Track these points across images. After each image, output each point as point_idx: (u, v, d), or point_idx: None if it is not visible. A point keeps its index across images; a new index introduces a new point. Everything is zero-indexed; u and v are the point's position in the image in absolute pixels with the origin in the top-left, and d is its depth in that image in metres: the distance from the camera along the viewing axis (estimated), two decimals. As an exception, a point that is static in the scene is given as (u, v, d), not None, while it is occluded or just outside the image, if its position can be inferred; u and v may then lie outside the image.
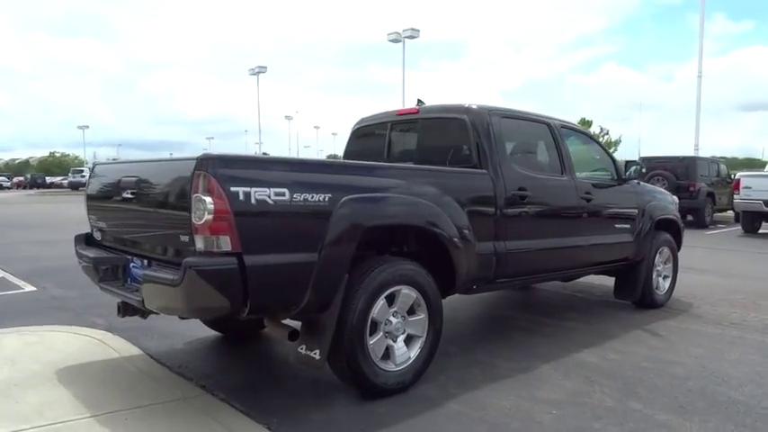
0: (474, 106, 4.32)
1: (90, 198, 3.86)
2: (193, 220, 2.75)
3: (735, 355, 4.32)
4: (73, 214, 19.54)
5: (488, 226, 4.05)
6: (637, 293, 5.65)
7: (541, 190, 4.47)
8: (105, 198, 3.68)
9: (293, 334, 3.15)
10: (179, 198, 2.91)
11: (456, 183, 3.90)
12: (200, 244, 2.75)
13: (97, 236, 3.84)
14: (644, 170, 5.61)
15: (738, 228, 14.39)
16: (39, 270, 7.98)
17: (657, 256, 5.79)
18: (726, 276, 7.76)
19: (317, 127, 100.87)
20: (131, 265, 3.45)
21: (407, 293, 3.47)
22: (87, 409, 3.14)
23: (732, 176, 17.66)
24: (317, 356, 3.12)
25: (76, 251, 3.89)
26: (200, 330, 4.66)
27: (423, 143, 4.68)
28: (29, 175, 63.03)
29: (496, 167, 4.14)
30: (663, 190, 6.37)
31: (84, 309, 5.65)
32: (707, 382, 3.75)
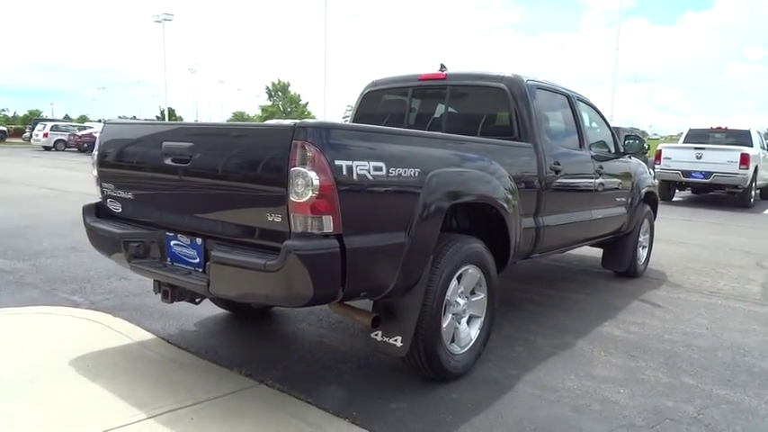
0: (511, 74, 4.16)
1: (104, 163, 3.31)
2: (291, 198, 2.40)
3: (736, 325, 4.57)
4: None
5: (531, 201, 3.97)
6: (625, 264, 5.85)
7: (569, 164, 4.43)
8: (133, 164, 3.17)
9: (377, 320, 2.90)
10: (267, 171, 2.53)
11: (511, 157, 3.75)
12: (298, 224, 2.42)
13: (114, 207, 3.31)
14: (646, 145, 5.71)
15: (654, 196, 15.40)
16: (-42, 237, 6.98)
17: (641, 227, 6.01)
18: (674, 244, 8.24)
19: (221, 81, 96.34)
20: (172, 242, 3.02)
21: (473, 273, 3.32)
22: (137, 408, 2.74)
23: (647, 147, 18.87)
24: (399, 343, 2.91)
25: (87, 224, 3.36)
26: (199, 309, 4.24)
27: (453, 112, 4.46)
28: None
29: (537, 140, 4.04)
30: (641, 162, 6.57)
31: (48, 284, 5.01)
32: (732, 353, 3.93)
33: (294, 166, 2.39)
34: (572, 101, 4.81)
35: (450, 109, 4.48)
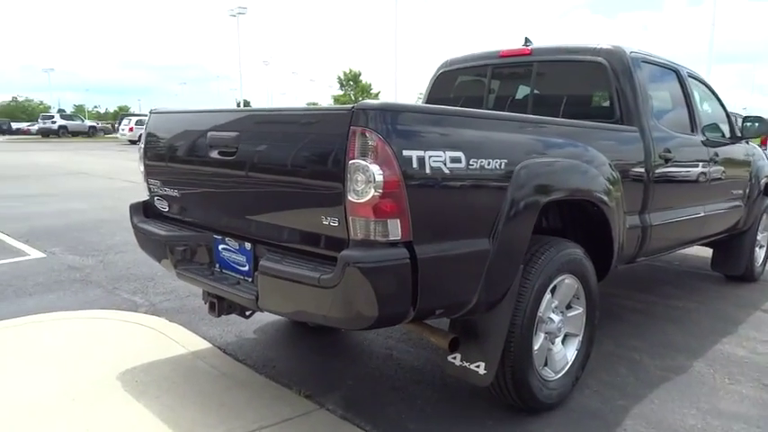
0: (610, 46, 3.53)
1: (151, 156, 3.01)
2: (349, 197, 1.96)
3: None
4: (49, 162, 18.31)
5: (637, 196, 3.36)
6: (741, 267, 5.06)
7: (681, 151, 3.76)
8: (179, 158, 2.84)
9: (455, 342, 2.43)
10: (321, 164, 2.11)
11: (614, 143, 3.17)
12: (358, 230, 1.98)
13: (161, 206, 3.01)
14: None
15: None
16: (37, 230, 7.09)
17: (760, 224, 5.18)
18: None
19: (294, 73, 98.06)
20: (220, 246, 2.66)
21: (569, 284, 2.78)
22: (181, 436, 2.41)
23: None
24: (482, 371, 2.42)
25: (134, 225, 3.07)
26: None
27: (540, 92, 3.88)
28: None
29: (643, 123, 3.41)
30: (757, 146, 5.68)
31: (111, 282, 4.86)
32: None
33: (353, 159, 1.94)
34: (681, 77, 4.10)
35: (536, 89, 3.90)
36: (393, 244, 1.98)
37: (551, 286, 2.64)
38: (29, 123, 51.44)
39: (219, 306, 2.65)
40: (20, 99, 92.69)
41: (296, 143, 2.23)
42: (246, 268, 2.52)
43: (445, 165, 2.08)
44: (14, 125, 54.86)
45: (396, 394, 2.92)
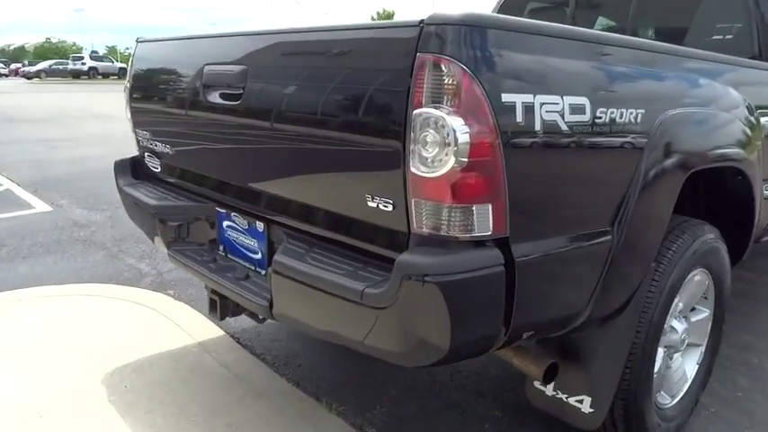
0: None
1: (137, 100, 2.30)
2: (413, 168, 1.23)
3: None
4: (74, 105, 17.81)
5: (776, 157, 2.53)
6: None
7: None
8: (170, 101, 2.12)
9: (553, 369, 1.71)
10: (367, 113, 1.37)
11: (757, 88, 2.33)
12: (424, 219, 1.25)
13: (153, 165, 2.32)
14: None
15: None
16: (49, 179, 6.57)
17: None
18: None
19: (326, 14, 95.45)
20: (224, 222, 1.97)
21: (700, 281, 2.04)
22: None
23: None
24: (587, 408, 1.72)
25: (120, 189, 2.40)
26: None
27: (642, 22, 3.00)
28: (26, 62, 59.56)
29: (790, 61, 2.55)
30: None
31: (117, 243, 4.27)
32: None
33: (420, 107, 1.20)
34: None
35: (636, 19, 3.00)
36: (479, 243, 1.26)
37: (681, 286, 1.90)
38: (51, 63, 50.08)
39: (222, 306, 1.96)
40: (53, 41, 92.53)
41: (329, 81, 1.47)
42: (259, 256, 1.83)
43: (563, 117, 1.32)
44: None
45: (454, 414, 2.26)
